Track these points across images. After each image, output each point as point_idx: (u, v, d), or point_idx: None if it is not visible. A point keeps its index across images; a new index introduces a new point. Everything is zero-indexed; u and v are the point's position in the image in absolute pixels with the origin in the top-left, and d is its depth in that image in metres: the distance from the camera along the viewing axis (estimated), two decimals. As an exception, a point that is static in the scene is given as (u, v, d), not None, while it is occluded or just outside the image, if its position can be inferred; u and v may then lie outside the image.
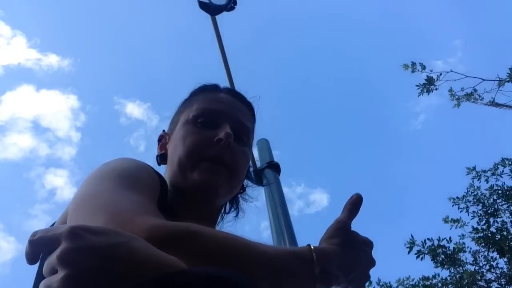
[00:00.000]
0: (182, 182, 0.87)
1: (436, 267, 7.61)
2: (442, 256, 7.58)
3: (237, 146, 0.89)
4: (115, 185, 0.69)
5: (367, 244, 0.76)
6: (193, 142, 0.88)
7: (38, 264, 0.52)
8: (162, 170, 0.96)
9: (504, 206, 7.96)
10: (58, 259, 0.45)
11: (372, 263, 0.76)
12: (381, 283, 8.07)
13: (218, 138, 0.86)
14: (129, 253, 0.47)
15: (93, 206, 0.63)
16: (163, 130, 1.04)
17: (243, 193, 1.05)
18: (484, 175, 8.24)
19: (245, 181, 1.04)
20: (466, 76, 8.14)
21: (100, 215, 0.59)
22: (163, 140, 1.01)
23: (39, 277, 0.70)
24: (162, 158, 0.98)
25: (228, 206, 1.04)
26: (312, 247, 0.69)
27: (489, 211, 7.92)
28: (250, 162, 1.01)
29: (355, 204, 0.77)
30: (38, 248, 0.49)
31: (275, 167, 2.21)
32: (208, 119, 0.91)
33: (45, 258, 0.48)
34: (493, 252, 7.60)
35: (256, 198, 1.09)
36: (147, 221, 0.58)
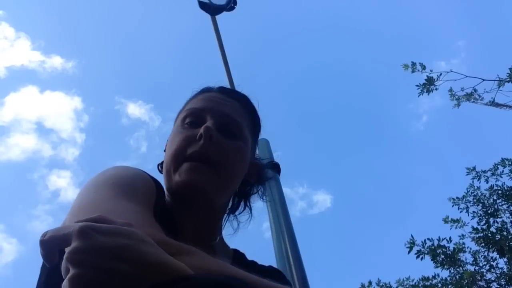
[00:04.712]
0: (170, 185, 0.87)
1: (436, 267, 7.63)
2: (442, 256, 7.58)
3: (224, 139, 0.87)
4: (110, 194, 0.69)
5: None
6: (178, 143, 0.87)
7: (40, 264, 0.51)
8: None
9: (504, 206, 7.97)
10: (66, 258, 0.45)
11: None
12: (381, 284, 8.09)
13: (199, 134, 0.85)
14: (137, 256, 0.46)
15: (89, 216, 0.63)
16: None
17: (256, 184, 1.02)
18: (484, 175, 8.25)
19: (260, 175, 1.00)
20: (466, 76, 8.13)
21: None
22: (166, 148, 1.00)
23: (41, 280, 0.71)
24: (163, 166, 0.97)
25: (235, 203, 1.02)
26: None
27: (489, 211, 7.92)
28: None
29: None
30: (51, 248, 0.48)
31: (275, 167, 2.21)
32: (194, 118, 0.91)
33: (56, 258, 0.48)
34: (493, 252, 7.61)
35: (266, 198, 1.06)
36: None
